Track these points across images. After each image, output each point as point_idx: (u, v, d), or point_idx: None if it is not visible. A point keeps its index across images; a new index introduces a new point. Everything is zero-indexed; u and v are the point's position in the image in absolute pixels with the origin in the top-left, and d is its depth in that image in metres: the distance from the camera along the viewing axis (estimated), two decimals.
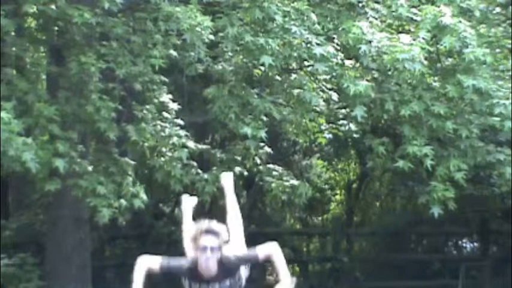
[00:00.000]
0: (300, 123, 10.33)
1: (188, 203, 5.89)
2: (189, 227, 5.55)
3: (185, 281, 5.12)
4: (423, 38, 9.08)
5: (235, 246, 5.52)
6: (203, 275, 4.99)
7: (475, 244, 15.67)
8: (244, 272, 5.32)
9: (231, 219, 5.82)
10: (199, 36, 8.84)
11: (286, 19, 9.20)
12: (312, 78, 10.09)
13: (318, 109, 10.14)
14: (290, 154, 15.69)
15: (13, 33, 9.05)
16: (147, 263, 5.09)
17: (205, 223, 5.06)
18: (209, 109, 9.45)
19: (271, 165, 10.33)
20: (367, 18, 9.69)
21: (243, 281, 5.28)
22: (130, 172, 9.18)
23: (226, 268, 5.05)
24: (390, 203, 16.61)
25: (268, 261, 5.17)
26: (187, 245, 5.38)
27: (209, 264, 4.95)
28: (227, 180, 6.07)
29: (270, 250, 5.15)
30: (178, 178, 9.17)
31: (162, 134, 9.35)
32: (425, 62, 9.17)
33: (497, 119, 9.23)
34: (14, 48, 9.19)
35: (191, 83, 10.90)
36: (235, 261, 5.11)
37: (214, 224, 5.06)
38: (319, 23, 9.46)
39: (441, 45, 9.21)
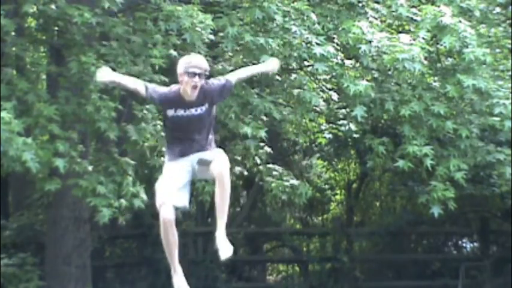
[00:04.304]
0: (300, 123, 10.33)
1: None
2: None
3: (166, 109, 5.68)
4: (423, 38, 9.09)
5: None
6: (184, 99, 5.59)
7: (475, 244, 15.66)
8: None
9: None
10: (199, 36, 8.85)
11: (286, 19, 9.20)
12: (312, 78, 10.10)
13: (318, 109, 10.14)
14: (290, 154, 15.69)
15: (13, 33, 9.05)
16: (135, 83, 5.79)
17: (193, 59, 5.68)
18: None
19: (271, 165, 10.32)
20: (367, 18, 9.69)
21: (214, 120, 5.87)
22: (130, 172, 9.17)
23: (204, 93, 5.63)
24: (390, 203, 16.60)
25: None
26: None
27: (195, 89, 5.56)
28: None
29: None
30: None
31: (162, 134, 9.34)
32: (425, 62, 9.18)
33: (497, 119, 9.24)
34: (14, 48, 9.19)
35: None
36: (213, 85, 5.70)
37: (201, 61, 5.66)
38: (319, 23, 9.46)
39: (441, 45, 9.21)
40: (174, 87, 5.68)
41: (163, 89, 5.74)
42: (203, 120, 5.69)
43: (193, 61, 5.63)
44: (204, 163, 5.70)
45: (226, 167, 5.59)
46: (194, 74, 5.55)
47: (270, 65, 6.08)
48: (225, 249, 5.49)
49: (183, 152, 5.72)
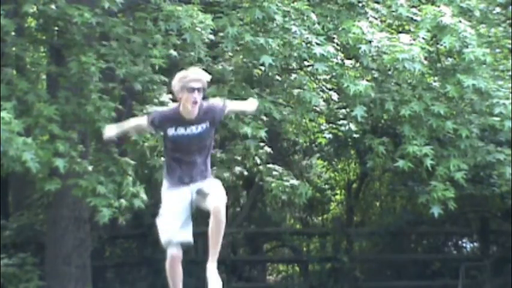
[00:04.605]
0: (300, 123, 10.32)
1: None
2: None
3: (167, 128, 5.67)
4: (423, 38, 9.09)
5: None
6: (184, 117, 5.58)
7: (475, 244, 15.65)
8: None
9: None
10: (199, 36, 8.85)
11: (286, 19, 9.20)
12: (312, 78, 10.10)
13: (318, 109, 10.14)
14: (290, 154, 15.68)
15: (13, 33, 9.05)
16: (136, 120, 5.91)
17: (190, 73, 5.63)
18: None
19: (271, 165, 10.32)
20: (367, 18, 9.69)
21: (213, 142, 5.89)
22: (130, 172, 9.18)
23: (204, 111, 5.63)
24: (390, 203, 16.59)
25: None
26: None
27: (195, 105, 5.56)
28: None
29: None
30: None
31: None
32: (425, 62, 9.18)
33: (497, 119, 9.24)
34: (14, 48, 9.19)
35: None
36: (214, 104, 5.76)
37: (199, 75, 5.63)
38: (319, 23, 9.46)
39: (441, 45, 9.22)
40: (173, 106, 5.70)
41: (164, 109, 5.87)
42: (203, 139, 5.67)
43: (191, 76, 5.57)
44: (201, 194, 5.69)
45: (223, 202, 5.56)
46: (193, 89, 5.50)
47: (251, 105, 6.13)
48: (214, 283, 5.52)
49: (183, 179, 5.68)
